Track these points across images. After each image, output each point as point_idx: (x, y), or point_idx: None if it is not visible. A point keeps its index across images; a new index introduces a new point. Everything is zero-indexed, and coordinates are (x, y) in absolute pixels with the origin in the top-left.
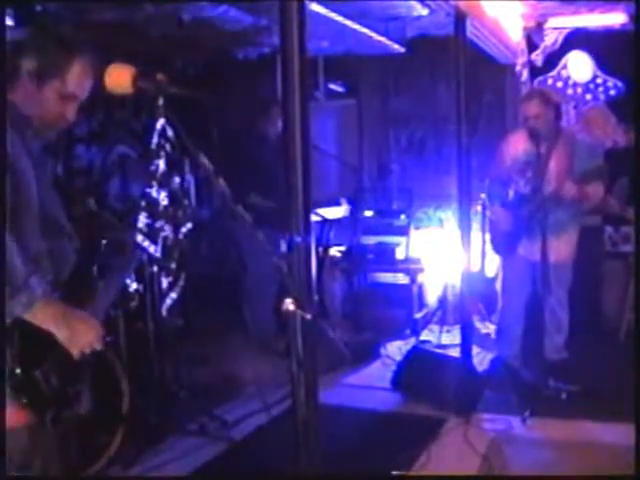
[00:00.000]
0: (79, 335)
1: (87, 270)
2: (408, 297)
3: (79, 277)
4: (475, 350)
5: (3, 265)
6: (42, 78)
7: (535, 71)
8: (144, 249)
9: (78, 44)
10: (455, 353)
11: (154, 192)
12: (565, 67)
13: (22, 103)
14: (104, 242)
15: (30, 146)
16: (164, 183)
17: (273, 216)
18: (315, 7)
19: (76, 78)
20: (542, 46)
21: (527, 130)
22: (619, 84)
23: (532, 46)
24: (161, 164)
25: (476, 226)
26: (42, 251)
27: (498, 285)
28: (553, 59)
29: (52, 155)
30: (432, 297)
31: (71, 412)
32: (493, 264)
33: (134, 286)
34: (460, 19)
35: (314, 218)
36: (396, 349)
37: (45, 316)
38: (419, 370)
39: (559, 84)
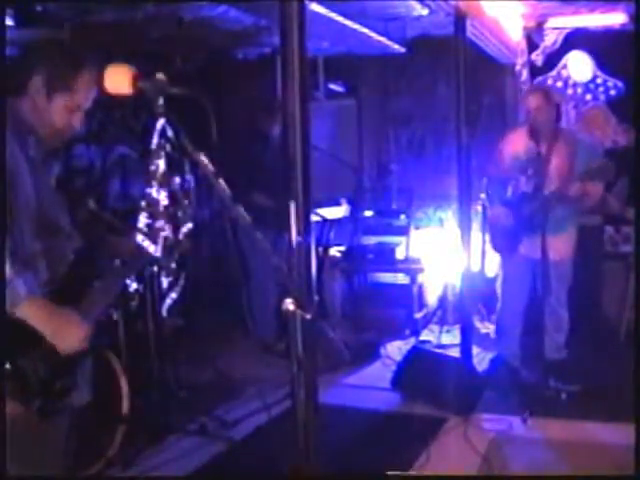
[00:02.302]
0: (63, 335)
1: (84, 269)
2: (408, 297)
3: (76, 276)
4: (475, 350)
5: (3, 264)
6: (52, 92)
7: (535, 71)
8: (144, 250)
9: (85, 57)
10: (455, 353)
11: (154, 192)
12: (565, 67)
13: (30, 114)
14: (106, 244)
15: (29, 151)
16: (164, 183)
17: (277, 215)
18: (315, 7)
19: (83, 90)
20: (542, 46)
21: (528, 124)
22: (619, 84)
23: (532, 46)
24: (161, 164)
25: (476, 226)
26: (37, 251)
27: (498, 285)
28: (553, 59)
29: (53, 156)
30: (432, 297)
31: (60, 404)
32: (493, 264)
33: (134, 286)
34: (460, 19)
35: (314, 218)
36: (396, 349)
37: (30, 314)
38: (419, 370)
39: (559, 84)
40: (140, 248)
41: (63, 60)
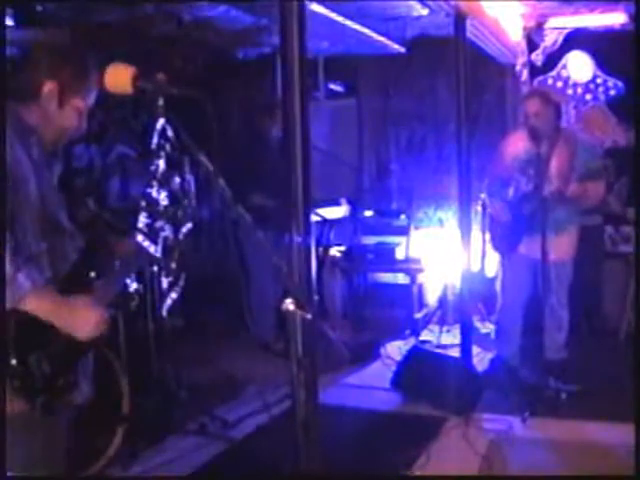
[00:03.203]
0: (76, 321)
1: (85, 269)
2: (408, 297)
3: (77, 276)
4: (475, 350)
5: (3, 264)
6: (64, 99)
7: (535, 71)
8: (144, 249)
9: (90, 60)
10: (455, 353)
11: (154, 192)
12: (565, 67)
13: (36, 118)
14: (106, 244)
15: (32, 150)
16: (164, 183)
17: (277, 215)
18: (315, 7)
19: (91, 92)
20: (542, 46)
21: (528, 129)
22: (619, 84)
23: (532, 46)
24: (161, 164)
25: (476, 226)
26: (41, 250)
27: (498, 285)
28: (553, 59)
29: (54, 156)
30: (432, 297)
31: (63, 401)
32: (493, 264)
33: (134, 286)
34: (460, 19)
35: (314, 218)
36: (396, 349)
37: (37, 306)
38: (419, 370)
39: (559, 84)
40: (140, 248)
41: (73, 67)
